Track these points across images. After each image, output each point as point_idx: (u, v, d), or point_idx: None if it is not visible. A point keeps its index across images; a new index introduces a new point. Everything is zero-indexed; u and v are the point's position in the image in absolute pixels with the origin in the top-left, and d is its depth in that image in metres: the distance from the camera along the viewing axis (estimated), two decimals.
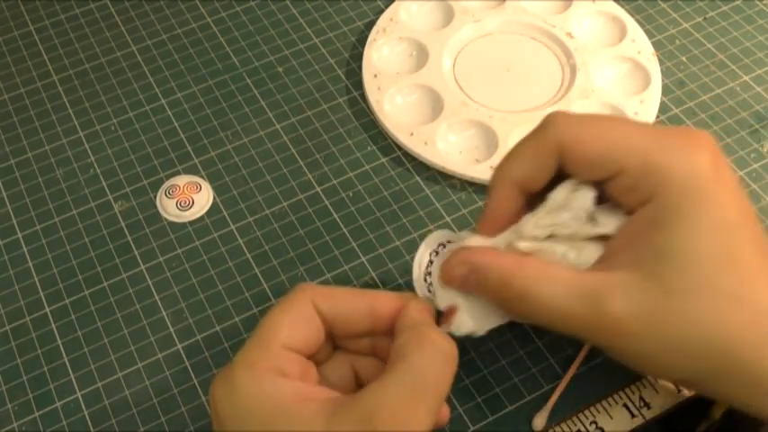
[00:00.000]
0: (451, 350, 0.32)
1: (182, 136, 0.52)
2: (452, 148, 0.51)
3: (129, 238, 0.47)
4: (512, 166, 0.35)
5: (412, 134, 0.50)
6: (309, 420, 0.30)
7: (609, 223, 0.34)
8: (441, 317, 0.36)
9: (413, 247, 0.46)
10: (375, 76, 0.54)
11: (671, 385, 0.41)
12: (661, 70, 0.54)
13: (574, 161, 0.34)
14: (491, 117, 0.51)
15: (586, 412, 0.40)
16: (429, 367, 0.31)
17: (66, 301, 0.45)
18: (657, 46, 0.56)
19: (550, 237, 0.35)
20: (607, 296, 0.31)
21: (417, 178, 0.50)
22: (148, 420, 0.41)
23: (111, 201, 0.49)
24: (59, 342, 0.43)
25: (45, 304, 0.45)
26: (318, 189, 0.49)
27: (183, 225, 0.48)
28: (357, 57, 0.56)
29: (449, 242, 0.37)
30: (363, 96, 0.54)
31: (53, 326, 0.44)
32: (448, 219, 0.48)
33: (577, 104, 0.51)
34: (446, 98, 0.52)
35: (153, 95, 0.54)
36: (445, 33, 0.56)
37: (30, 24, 0.59)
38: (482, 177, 0.48)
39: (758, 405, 0.32)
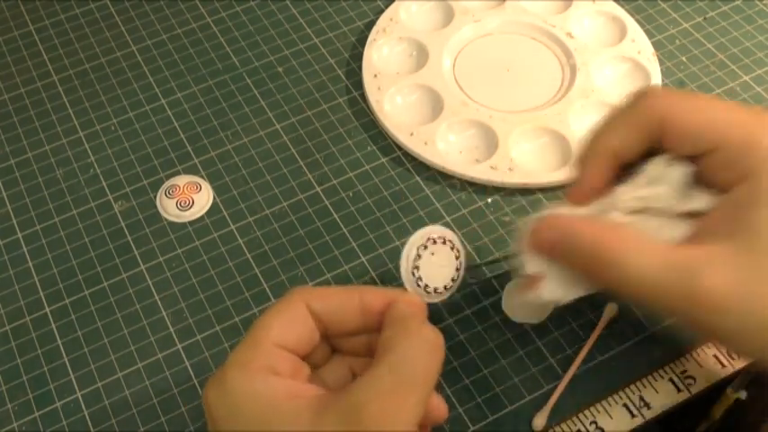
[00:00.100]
0: (437, 340, 0.32)
1: (182, 136, 0.52)
2: (452, 148, 0.51)
3: (129, 238, 0.47)
4: (609, 136, 0.35)
5: (412, 134, 0.50)
6: (298, 417, 0.30)
7: (702, 200, 0.34)
8: (527, 283, 0.36)
9: None
10: (375, 76, 0.54)
11: (671, 385, 0.41)
12: (661, 70, 0.54)
13: (673, 133, 0.34)
14: (491, 117, 0.51)
15: (586, 412, 0.40)
16: (415, 358, 0.31)
17: (66, 301, 0.45)
18: (657, 46, 0.56)
19: (641, 211, 0.35)
20: (702, 270, 0.31)
21: (417, 178, 0.50)
22: (148, 420, 0.41)
23: (111, 201, 0.49)
24: (59, 342, 0.43)
25: (45, 304, 0.45)
26: (318, 189, 0.49)
27: (183, 225, 0.48)
28: (357, 57, 0.56)
29: (439, 237, 0.37)
30: (363, 96, 0.54)
31: (53, 326, 0.44)
32: (448, 219, 0.48)
33: (577, 104, 0.51)
34: (446, 98, 0.52)
35: (153, 95, 0.54)
36: (445, 33, 0.56)
37: (30, 24, 0.59)
38: (482, 177, 0.48)
39: None
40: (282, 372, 0.32)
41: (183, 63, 0.56)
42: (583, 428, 0.39)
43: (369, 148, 0.51)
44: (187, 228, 0.48)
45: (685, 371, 0.41)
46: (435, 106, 0.52)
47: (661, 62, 0.55)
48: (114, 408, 0.41)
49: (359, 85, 0.54)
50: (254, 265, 0.46)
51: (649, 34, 0.56)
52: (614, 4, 0.57)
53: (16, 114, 0.54)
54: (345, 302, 0.34)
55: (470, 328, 0.43)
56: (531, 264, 0.36)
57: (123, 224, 0.48)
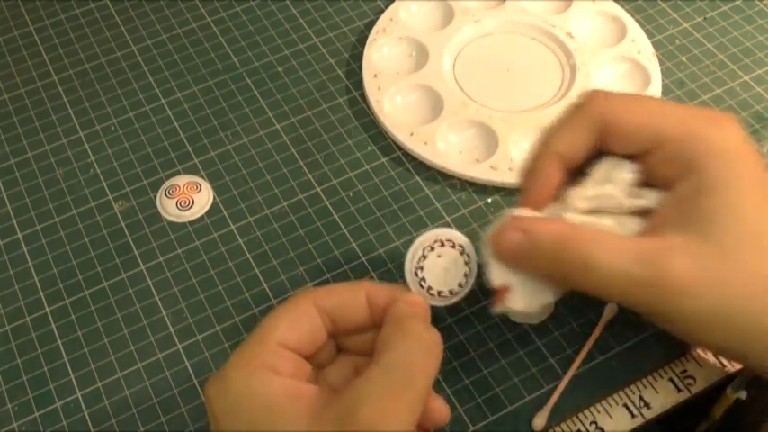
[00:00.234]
0: (432, 339, 0.32)
1: (182, 136, 0.52)
2: (452, 148, 0.51)
3: (129, 238, 0.47)
4: (555, 139, 0.36)
5: (412, 134, 0.50)
6: (295, 417, 0.30)
7: (650, 197, 0.35)
8: (493, 295, 0.36)
9: None
10: (375, 76, 0.54)
11: (671, 385, 0.41)
12: (661, 70, 0.54)
13: (615, 133, 0.35)
14: (491, 117, 0.51)
15: (586, 412, 0.40)
16: (410, 358, 0.31)
17: (66, 301, 0.45)
18: (657, 46, 0.56)
19: (594, 211, 0.36)
20: (666, 258, 0.32)
21: (417, 178, 0.50)
22: (148, 420, 0.41)
23: (111, 201, 0.49)
24: (59, 342, 0.43)
25: (45, 304, 0.45)
26: (318, 189, 0.49)
27: (183, 225, 0.48)
28: (357, 57, 0.56)
29: (447, 240, 0.37)
30: (363, 96, 0.54)
31: (53, 326, 0.44)
32: (448, 219, 0.48)
33: None
34: (446, 98, 0.52)
35: (153, 95, 0.54)
36: (445, 33, 0.56)
37: (30, 24, 0.59)
38: (482, 177, 0.48)
39: None
40: (284, 371, 0.32)
41: (183, 63, 0.56)
42: (583, 428, 0.39)
43: (369, 148, 0.51)
44: (187, 228, 0.48)
45: (685, 371, 0.41)
46: (435, 106, 0.52)
47: (661, 62, 0.55)
48: (114, 408, 0.41)
49: (359, 85, 0.54)
50: (254, 265, 0.46)
51: (649, 34, 0.56)
52: (614, 4, 0.57)
53: (16, 114, 0.54)
54: (352, 297, 0.34)
55: (470, 328, 0.43)
56: (497, 275, 0.36)
57: (123, 224, 0.48)
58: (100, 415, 0.41)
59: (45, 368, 0.43)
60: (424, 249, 0.37)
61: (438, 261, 0.37)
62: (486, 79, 0.54)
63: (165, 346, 0.43)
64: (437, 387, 0.40)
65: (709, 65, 0.55)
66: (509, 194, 0.49)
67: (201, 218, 0.48)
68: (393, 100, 0.53)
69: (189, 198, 0.49)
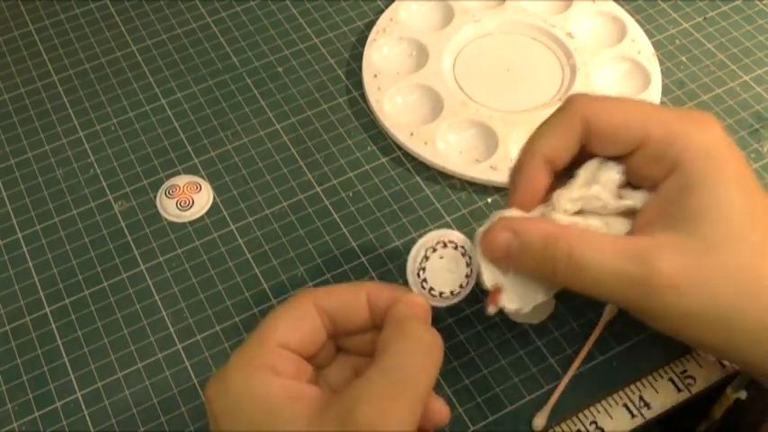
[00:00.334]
0: (433, 340, 0.32)
1: (182, 136, 0.52)
2: (452, 148, 0.51)
3: (129, 238, 0.47)
4: (540, 142, 0.37)
5: (412, 134, 0.50)
6: (295, 418, 0.30)
7: (636, 197, 0.36)
8: (486, 297, 0.37)
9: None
10: (375, 76, 0.54)
11: (671, 385, 0.41)
12: (661, 70, 0.54)
13: (598, 134, 0.36)
14: (491, 117, 0.51)
15: (586, 412, 0.40)
16: (409, 359, 0.31)
17: (66, 301, 0.45)
18: (657, 46, 0.56)
19: (581, 212, 0.36)
20: (654, 255, 0.33)
21: (417, 178, 0.50)
22: (148, 420, 0.41)
23: (111, 201, 0.49)
24: (59, 342, 0.43)
25: (45, 304, 0.45)
26: (318, 189, 0.49)
27: (183, 225, 0.48)
28: (357, 57, 0.56)
29: (450, 241, 0.37)
30: (363, 96, 0.54)
31: (53, 326, 0.44)
32: (448, 219, 0.48)
33: None
34: (446, 98, 0.52)
35: (153, 95, 0.54)
36: (445, 33, 0.56)
37: (30, 24, 0.59)
38: (482, 177, 0.48)
39: None
40: (284, 372, 0.32)
41: (183, 63, 0.56)
42: (583, 428, 0.39)
43: (369, 148, 0.51)
44: (187, 228, 0.48)
45: (685, 371, 0.41)
46: (435, 106, 0.52)
47: (661, 62, 0.55)
48: (114, 408, 0.41)
49: (359, 85, 0.54)
50: (254, 265, 0.46)
51: (649, 34, 0.56)
52: (614, 4, 0.57)
53: (16, 114, 0.54)
54: (353, 298, 0.34)
55: (470, 328, 0.43)
56: (488, 276, 0.36)
57: (123, 224, 0.48)
58: (100, 415, 0.41)
59: (45, 368, 0.43)
60: (426, 250, 0.37)
61: (440, 262, 0.37)
62: (486, 79, 0.54)
63: (165, 346, 0.43)
64: (437, 387, 0.40)
65: (709, 65, 0.55)
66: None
67: (201, 218, 0.48)
68: (393, 100, 0.53)
69: (189, 198, 0.49)
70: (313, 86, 0.55)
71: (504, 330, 0.43)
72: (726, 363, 0.41)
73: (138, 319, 0.44)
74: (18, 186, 0.50)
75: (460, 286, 0.37)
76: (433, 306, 0.36)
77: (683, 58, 0.56)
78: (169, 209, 0.48)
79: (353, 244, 0.47)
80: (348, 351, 0.36)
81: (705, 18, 0.58)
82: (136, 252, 0.47)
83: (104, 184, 0.50)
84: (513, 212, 0.36)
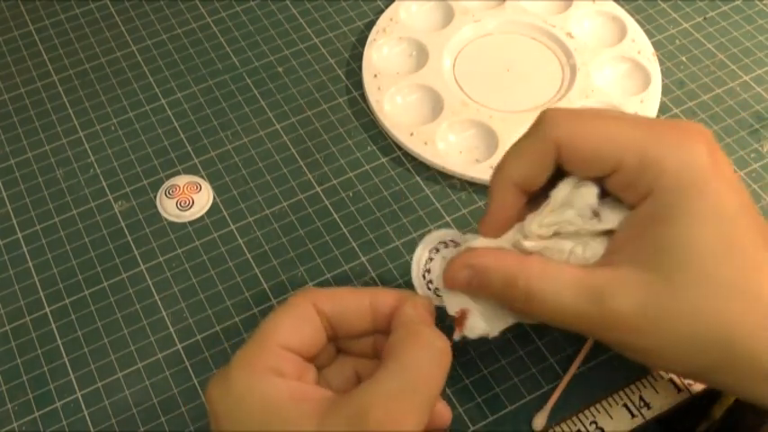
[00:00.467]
0: (444, 346, 0.32)
1: (182, 136, 0.52)
2: (452, 148, 0.51)
3: (129, 238, 0.47)
4: (510, 167, 0.35)
5: (412, 134, 0.50)
6: (302, 420, 0.30)
7: (612, 218, 0.34)
8: (453, 322, 0.36)
9: (413, 247, 0.46)
10: (375, 76, 0.54)
11: (671, 385, 0.41)
12: (661, 70, 0.54)
13: (571, 159, 0.34)
14: (491, 117, 0.51)
15: (586, 412, 0.40)
16: (421, 365, 0.31)
17: (66, 301, 0.45)
18: (657, 46, 0.56)
19: (556, 234, 0.35)
20: (611, 293, 0.32)
21: (417, 178, 0.50)
22: (148, 420, 0.41)
23: (111, 201, 0.49)
24: (59, 342, 0.43)
25: (45, 304, 0.45)
26: (318, 189, 0.49)
27: (183, 225, 0.48)
28: (357, 57, 0.56)
29: (451, 241, 0.37)
30: (363, 96, 0.54)
31: (53, 326, 0.44)
32: (448, 219, 0.48)
33: (577, 104, 0.51)
34: (446, 98, 0.52)
35: (153, 95, 0.54)
36: (445, 33, 0.56)
37: (30, 24, 0.59)
38: (482, 177, 0.48)
39: (761, 396, 0.32)
40: (288, 373, 0.32)
41: (183, 63, 0.56)
42: (583, 428, 0.39)
43: (369, 148, 0.51)
44: (187, 228, 0.48)
45: None
46: (435, 106, 0.52)
47: (661, 62, 0.55)
48: (114, 408, 0.41)
49: (359, 85, 0.54)
50: (254, 265, 0.46)
51: (649, 34, 0.56)
52: (614, 4, 0.57)
53: (16, 114, 0.54)
54: (355, 304, 0.34)
55: None
56: (453, 302, 0.36)
57: (123, 224, 0.48)
58: (100, 415, 0.41)
59: (45, 368, 0.43)
60: (430, 252, 0.37)
61: (443, 263, 0.37)
62: (486, 79, 0.54)
63: (165, 346, 0.43)
64: None
65: (709, 65, 0.55)
66: None
67: (201, 218, 0.48)
68: (393, 100, 0.53)
69: (189, 198, 0.49)
70: (313, 86, 0.55)
71: (503, 331, 0.43)
72: None
73: (138, 319, 0.44)
74: (18, 186, 0.50)
75: None
76: (438, 306, 0.36)
77: (683, 58, 0.56)
78: (169, 209, 0.48)
79: (353, 244, 0.47)
80: (347, 351, 0.36)
81: (705, 18, 0.58)
82: (136, 252, 0.47)
83: (104, 184, 0.50)
84: (479, 242, 0.36)
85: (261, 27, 0.58)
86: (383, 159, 0.51)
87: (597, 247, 0.34)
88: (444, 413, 0.34)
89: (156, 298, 0.45)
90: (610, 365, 0.42)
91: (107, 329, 0.44)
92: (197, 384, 0.42)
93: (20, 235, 0.48)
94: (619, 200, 0.34)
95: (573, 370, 0.41)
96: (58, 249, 0.47)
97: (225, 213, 0.48)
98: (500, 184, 0.35)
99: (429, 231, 0.37)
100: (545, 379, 0.41)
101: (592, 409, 0.40)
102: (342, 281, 0.45)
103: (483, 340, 0.43)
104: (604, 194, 0.35)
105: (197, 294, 0.45)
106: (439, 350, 0.32)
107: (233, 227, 0.48)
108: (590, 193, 0.34)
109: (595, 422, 0.40)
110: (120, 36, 0.58)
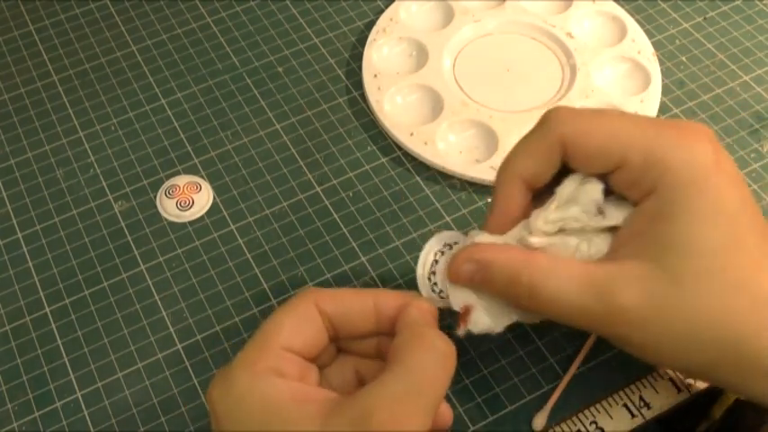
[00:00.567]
0: (449, 350, 0.32)
1: (182, 136, 0.52)
2: (452, 148, 0.51)
3: (129, 238, 0.47)
4: (516, 163, 0.36)
5: (412, 134, 0.50)
6: (305, 421, 0.30)
7: (617, 215, 0.34)
8: (457, 317, 0.36)
9: (413, 247, 0.46)
10: (375, 76, 0.54)
11: (671, 385, 0.41)
12: (661, 70, 0.54)
13: (576, 155, 0.34)
14: (491, 117, 0.51)
15: (586, 412, 0.40)
16: (425, 367, 0.31)
17: (66, 301, 0.45)
18: (657, 46, 0.56)
19: (561, 231, 0.35)
20: (615, 288, 0.32)
21: (417, 178, 0.50)
22: (148, 420, 0.41)
23: (111, 201, 0.49)
24: (59, 342, 0.43)
25: (45, 304, 0.45)
26: (318, 189, 0.49)
27: (183, 225, 0.48)
28: (357, 57, 0.56)
29: (455, 243, 0.37)
30: (363, 96, 0.54)
31: (53, 326, 0.44)
32: (448, 219, 0.48)
33: (577, 104, 0.51)
34: (446, 98, 0.52)
35: (153, 95, 0.54)
36: (445, 33, 0.56)
37: (30, 24, 0.59)
38: (482, 177, 0.48)
39: (763, 394, 0.32)
40: (289, 374, 0.32)
41: (183, 63, 0.56)
42: (583, 428, 0.39)
43: (369, 148, 0.51)
44: (187, 228, 0.48)
45: None
46: (435, 106, 0.52)
47: (661, 62, 0.55)
48: (114, 408, 0.41)
49: (359, 85, 0.54)
50: (254, 265, 0.46)
51: (649, 34, 0.56)
52: (614, 4, 0.57)
53: (16, 114, 0.54)
54: (358, 305, 0.34)
55: None
56: (457, 297, 0.36)
57: (123, 224, 0.48)
58: (100, 415, 0.41)
59: (45, 368, 0.43)
60: (435, 254, 0.37)
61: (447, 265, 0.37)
62: (486, 79, 0.54)
63: (165, 346, 0.43)
64: None
65: (709, 65, 0.55)
66: None
67: (201, 218, 0.48)
68: (393, 100, 0.53)
69: (189, 198, 0.49)
70: (313, 86, 0.55)
71: (504, 330, 0.43)
72: None
73: (138, 319, 0.44)
74: (18, 186, 0.50)
75: None
76: (441, 308, 0.36)
77: (683, 58, 0.56)
78: (169, 209, 0.48)
79: (353, 244, 0.47)
80: (348, 351, 0.36)
81: (705, 18, 0.58)
82: (136, 252, 0.47)
83: (104, 184, 0.50)
84: (484, 237, 0.36)
85: (261, 27, 0.58)
86: (383, 159, 0.51)
87: (601, 244, 0.34)
88: (446, 414, 0.34)
89: (156, 298, 0.45)
90: (610, 365, 0.42)
91: (107, 329, 0.44)
92: (197, 384, 0.42)
93: (20, 235, 0.48)
94: (622, 198, 0.34)
95: (573, 370, 0.41)
96: (58, 249, 0.47)
97: (225, 213, 0.48)
98: (506, 179, 0.36)
99: (430, 232, 0.37)
100: (545, 379, 0.41)
101: (592, 409, 0.40)
102: (342, 281, 0.45)
103: (483, 340, 0.43)
104: (608, 192, 0.35)
105: (197, 294, 0.45)
106: (443, 353, 0.32)
107: (233, 227, 0.48)
108: (595, 189, 0.34)
109: (595, 422, 0.40)
110: (120, 36, 0.58)
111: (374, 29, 0.56)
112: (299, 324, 0.33)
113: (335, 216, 0.48)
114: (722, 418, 0.41)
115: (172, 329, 0.44)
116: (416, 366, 0.31)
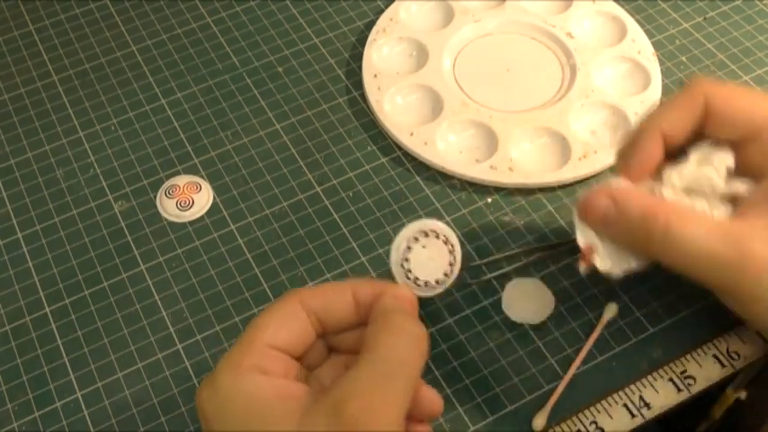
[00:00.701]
0: (419, 333, 0.32)
1: (182, 136, 0.52)
2: (452, 148, 0.51)
3: (129, 238, 0.47)
4: (661, 115, 0.38)
5: (412, 134, 0.50)
6: (285, 417, 0.30)
7: (744, 183, 0.36)
8: (580, 255, 0.38)
9: None
10: (375, 76, 0.54)
11: (671, 385, 0.41)
12: (661, 70, 0.54)
13: (715, 118, 0.37)
14: (491, 117, 0.51)
15: (586, 412, 0.40)
16: (396, 352, 0.31)
17: (66, 301, 0.45)
18: (657, 46, 0.56)
19: (687, 192, 0.37)
20: (750, 239, 0.34)
21: (417, 178, 0.50)
22: (148, 420, 0.41)
23: (111, 201, 0.49)
24: (59, 342, 0.43)
25: (45, 304, 0.45)
26: (318, 189, 0.49)
27: (183, 225, 0.48)
28: (357, 57, 0.56)
29: (432, 230, 0.37)
30: (363, 96, 0.54)
31: (53, 326, 0.44)
32: (448, 219, 0.48)
33: (577, 104, 0.51)
34: (446, 98, 0.52)
35: (153, 95, 0.54)
36: (445, 33, 0.56)
37: (30, 24, 0.59)
38: (482, 177, 0.48)
39: None
40: (273, 371, 0.32)
41: (183, 63, 0.56)
42: (583, 428, 0.39)
43: (369, 148, 0.51)
44: (187, 228, 0.48)
45: (685, 371, 0.41)
46: (435, 106, 0.52)
47: (661, 62, 0.55)
48: (114, 408, 0.41)
49: (359, 85, 0.54)
50: (254, 265, 0.46)
51: (649, 34, 0.56)
52: (614, 4, 0.57)
53: (16, 114, 0.54)
54: (339, 296, 0.34)
55: (470, 328, 0.43)
56: (583, 235, 0.37)
57: (123, 224, 0.48)
58: (100, 415, 0.41)
59: (45, 368, 0.43)
60: (408, 241, 0.37)
61: (423, 252, 0.37)
62: (485, 79, 0.54)
63: (165, 346, 0.43)
64: (437, 387, 0.40)
65: (710, 65, 0.55)
66: (509, 194, 0.49)
67: (201, 218, 0.48)
68: (393, 100, 0.53)
69: (189, 198, 0.49)
70: (313, 86, 0.55)
71: (504, 330, 0.43)
72: (725, 363, 0.41)
73: (138, 319, 0.44)
74: (18, 186, 0.50)
75: (445, 275, 0.38)
76: (420, 296, 0.36)
77: (683, 58, 0.56)
78: (169, 209, 0.48)
79: (353, 244, 0.47)
80: (339, 350, 0.36)
81: (705, 18, 0.58)
82: (136, 252, 0.47)
83: (104, 184, 0.50)
84: (620, 183, 0.37)
85: (261, 27, 0.58)
86: (383, 159, 0.51)
87: (723, 212, 0.36)
88: (435, 400, 0.33)
89: (156, 298, 0.45)
90: (610, 365, 0.42)
91: (107, 329, 0.44)
92: (197, 384, 0.42)
93: (20, 235, 0.48)
94: (747, 172, 0.37)
95: (573, 370, 0.41)
96: (57, 249, 0.47)
97: (225, 213, 0.48)
98: (648, 129, 0.38)
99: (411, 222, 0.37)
100: (545, 379, 0.41)
101: (592, 409, 0.40)
102: (342, 281, 0.45)
103: (483, 340, 0.43)
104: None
105: (197, 294, 0.45)
106: (414, 335, 0.32)
107: (233, 227, 0.48)
108: (728, 155, 0.37)
109: (595, 422, 0.40)
110: (120, 36, 0.58)
111: (374, 29, 0.56)
112: (283, 321, 0.33)
113: (335, 216, 0.48)
114: (722, 418, 0.41)
115: (172, 329, 0.44)
116: (386, 351, 0.31)
